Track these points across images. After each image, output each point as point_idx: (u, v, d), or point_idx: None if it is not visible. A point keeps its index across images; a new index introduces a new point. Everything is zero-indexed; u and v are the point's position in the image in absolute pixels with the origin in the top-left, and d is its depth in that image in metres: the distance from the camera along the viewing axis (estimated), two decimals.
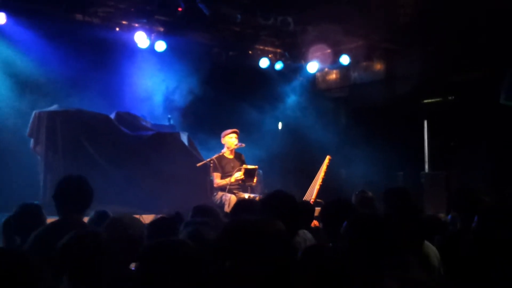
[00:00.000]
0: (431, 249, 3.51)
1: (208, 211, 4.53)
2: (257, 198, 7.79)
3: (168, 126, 9.72)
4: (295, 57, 11.40)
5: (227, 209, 7.48)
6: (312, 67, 11.55)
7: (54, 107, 8.12)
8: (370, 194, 5.62)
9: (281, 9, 9.37)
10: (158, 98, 10.30)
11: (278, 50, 11.28)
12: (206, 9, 8.70)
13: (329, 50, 11.27)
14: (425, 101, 10.43)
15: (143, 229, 3.74)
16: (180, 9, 8.94)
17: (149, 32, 9.60)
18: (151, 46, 9.71)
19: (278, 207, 3.37)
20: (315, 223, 5.37)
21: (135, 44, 9.55)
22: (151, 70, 10.20)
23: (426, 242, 3.68)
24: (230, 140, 8.34)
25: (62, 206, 3.71)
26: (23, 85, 8.70)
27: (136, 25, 9.54)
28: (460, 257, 2.65)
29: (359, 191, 5.67)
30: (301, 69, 11.75)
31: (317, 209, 7.92)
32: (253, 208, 3.91)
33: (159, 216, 4.08)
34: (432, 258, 3.47)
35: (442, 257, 2.82)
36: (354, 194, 5.66)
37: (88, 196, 3.78)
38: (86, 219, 4.20)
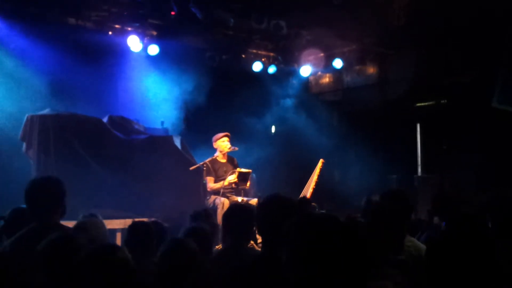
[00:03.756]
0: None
1: (207, 216, 4.54)
2: (250, 202, 7.79)
3: (161, 129, 9.70)
4: (288, 60, 11.42)
5: (220, 212, 7.48)
6: (305, 70, 11.57)
7: (46, 111, 8.08)
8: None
9: (274, 13, 9.38)
10: (151, 102, 10.28)
11: (271, 54, 11.30)
12: (199, 13, 8.70)
13: (322, 54, 11.30)
14: (418, 104, 10.46)
15: (106, 233, 3.82)
16: (173, 13, 8.95)
17: (142, 36, 9.60)
18: (144, 50, 9.72)
19: (276, 211, 3.33)
20: None
21: (128, 48, 9.55)
22: (144, 74, 10.19)
23: (422, 245, 3.70)
24: (223, 143, 8.34)
25: (32, 211, 3.60)
26: (15, 88, 8.66)
27: (129, 29, 9.55)
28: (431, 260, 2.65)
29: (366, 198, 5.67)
30: (294, 72, 11.77)
31: None
32: (247, 213, 3.88)
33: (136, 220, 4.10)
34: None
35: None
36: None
37: (57, 198, 3.62)
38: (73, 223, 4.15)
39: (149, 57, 9.89)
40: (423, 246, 3.68)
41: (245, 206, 4.10)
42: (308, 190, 8.20)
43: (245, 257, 3.47)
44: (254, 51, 11.14)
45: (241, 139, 9.35)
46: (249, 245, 5.53)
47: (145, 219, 4.51)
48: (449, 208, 4.68)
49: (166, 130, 9.76)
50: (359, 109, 11.24)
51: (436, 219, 5.19)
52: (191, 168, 8.11)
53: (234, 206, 4.40)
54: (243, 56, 11.10)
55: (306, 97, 12.16)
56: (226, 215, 4.01)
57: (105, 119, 8.54)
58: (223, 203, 7.70)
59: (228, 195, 8.07)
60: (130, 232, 3.88)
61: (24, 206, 3.89)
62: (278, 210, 3.32)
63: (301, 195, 8.24)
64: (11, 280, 0.98)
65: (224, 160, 8.40)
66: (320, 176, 8.25)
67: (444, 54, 9.75)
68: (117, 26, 9.51)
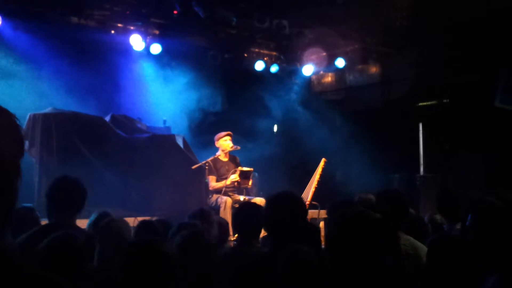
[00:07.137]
0: (423, 251, 3.52)
1: (204, 217, 4.54)
2: (253, 201, 7.79)
3: (164, 128, 9.71)
4: (290, 60, 11.42)
5: (222, 211, 7.49)
6: (308, 70, 11.57)
7: (49, 110, 8.10)
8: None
9: (277, 12, 9.38)
10: (153, 101, 10.29)
11: (274, 53, 11.30)
12: (202, 12, 8.71)
13: (324, 53, 11.29)
14: (420, 104, 10.46)
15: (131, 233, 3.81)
16: (175, 12, 8.96)
17: (144, 35, 9.61)
18: (147, 48, 9.73)
19: (286, 208, 3.33)
20: None
21: (130, 46, 9.56)
22: (146, 73, 10.21)
23: (419, 244, 3.70)
24: (225, 142, 8.33)
25: (54, 208, 3.65)
26: (18, 87, 8.67)
27: (132, 27, 9.56)
28: (447, 260, 2.66)
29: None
30: (296, 72, 11.77)
31: (313, 211, 7.97)
32: (257, 212, 3.87)
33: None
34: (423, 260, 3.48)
35: (429, 259, 2.83)
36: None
37: (82, 198, 3.72)
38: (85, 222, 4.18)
39: (151, 56, 9.90)
40: (420, 245, 3.68)
41: (253, 205, 4.09)
42: (310, 190, 8.19)
43: (252, 255, 3.48)
44: (257, 50, 11.14)
45: (243, 138, 9.35)
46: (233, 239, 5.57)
47: (147, 218, 4.52)
48: (455, 207, 4.68)
49: (168, 128, 9.77)
50: (362, 108, 11.25)
51: (438, 218, 5.19)
52: (193, 167, 8.12)
53: (243, 205, 4.37)
54: (246, 55, 11.11)
55: (308, 96, 12.17)
56: (235, 213, 4.02)
57: (107, 118, 8.56)
58: (225, 202, 7.70)
59: (230, 194, 8.08)
60: (139, 231, 3.90)
61: (27, 205, 3.90)
62: (288, 208, 3.32)
63: (303, 194, 8.24)
64: (21, 279, 0.98)
65: (226, 159, 8.40)
66: (322, 176, 8.24)
67: (446, 53, 9.75)
68: (119, 25, 9.52)
